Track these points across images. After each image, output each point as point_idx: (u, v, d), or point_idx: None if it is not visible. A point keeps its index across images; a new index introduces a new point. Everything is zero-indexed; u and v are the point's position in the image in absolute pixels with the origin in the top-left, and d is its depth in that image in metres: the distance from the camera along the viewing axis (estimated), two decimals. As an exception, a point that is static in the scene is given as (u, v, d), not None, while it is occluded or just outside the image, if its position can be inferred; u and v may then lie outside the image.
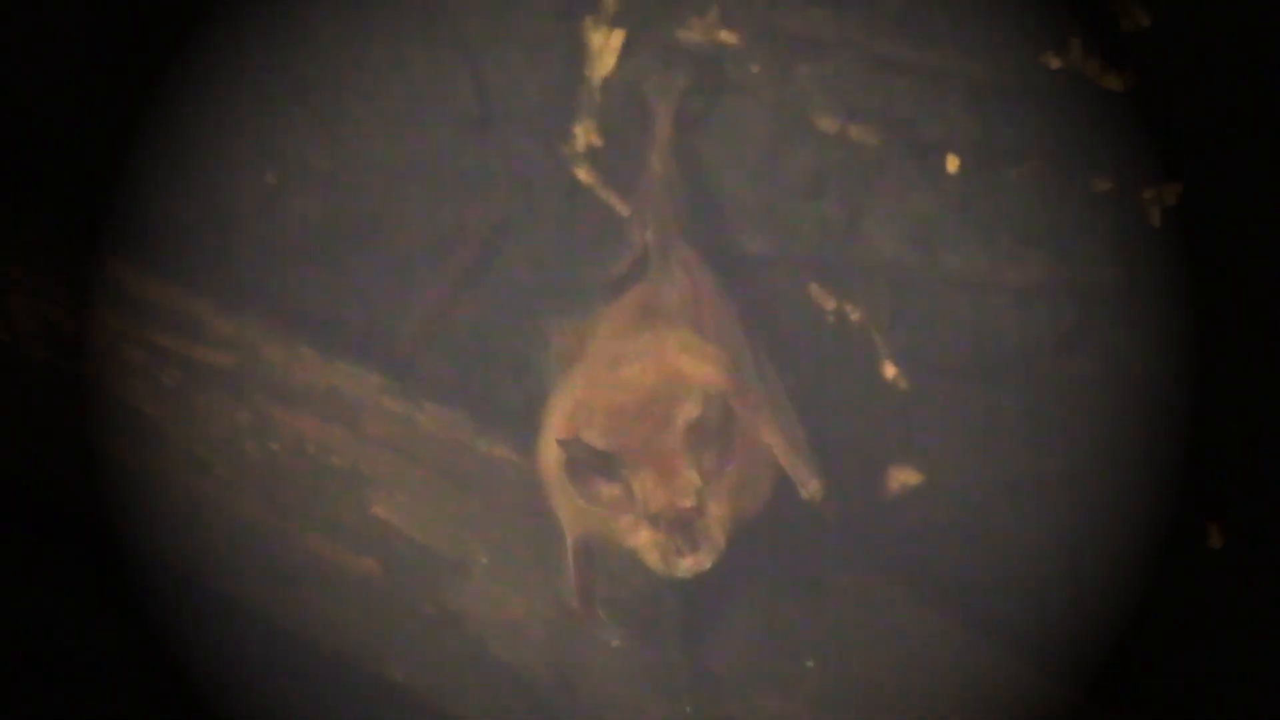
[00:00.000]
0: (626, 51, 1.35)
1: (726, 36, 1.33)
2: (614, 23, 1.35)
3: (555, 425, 1.13)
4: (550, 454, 1.12)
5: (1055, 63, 1.42)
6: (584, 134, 1.36)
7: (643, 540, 1.07)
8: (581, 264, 1.37)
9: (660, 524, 1.06)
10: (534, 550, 1.25)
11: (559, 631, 1.27)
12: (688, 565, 1.05)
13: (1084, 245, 1.46)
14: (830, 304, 1.36)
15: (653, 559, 1.07)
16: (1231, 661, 1.59)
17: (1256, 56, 1.47)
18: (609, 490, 1.08)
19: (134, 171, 1.73)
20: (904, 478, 1.39)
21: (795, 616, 1.34)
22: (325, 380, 1.38)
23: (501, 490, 1.28)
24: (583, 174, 1.36)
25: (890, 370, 1.36)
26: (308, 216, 1.65)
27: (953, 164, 1.36)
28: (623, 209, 1.34)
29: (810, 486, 1.14)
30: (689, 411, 1.06)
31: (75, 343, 1.68)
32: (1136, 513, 1.54)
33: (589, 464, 1.08)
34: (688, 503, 1.06)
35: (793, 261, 1.35)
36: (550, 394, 1.18)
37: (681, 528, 1.06)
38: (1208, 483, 1.58)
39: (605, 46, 1.37)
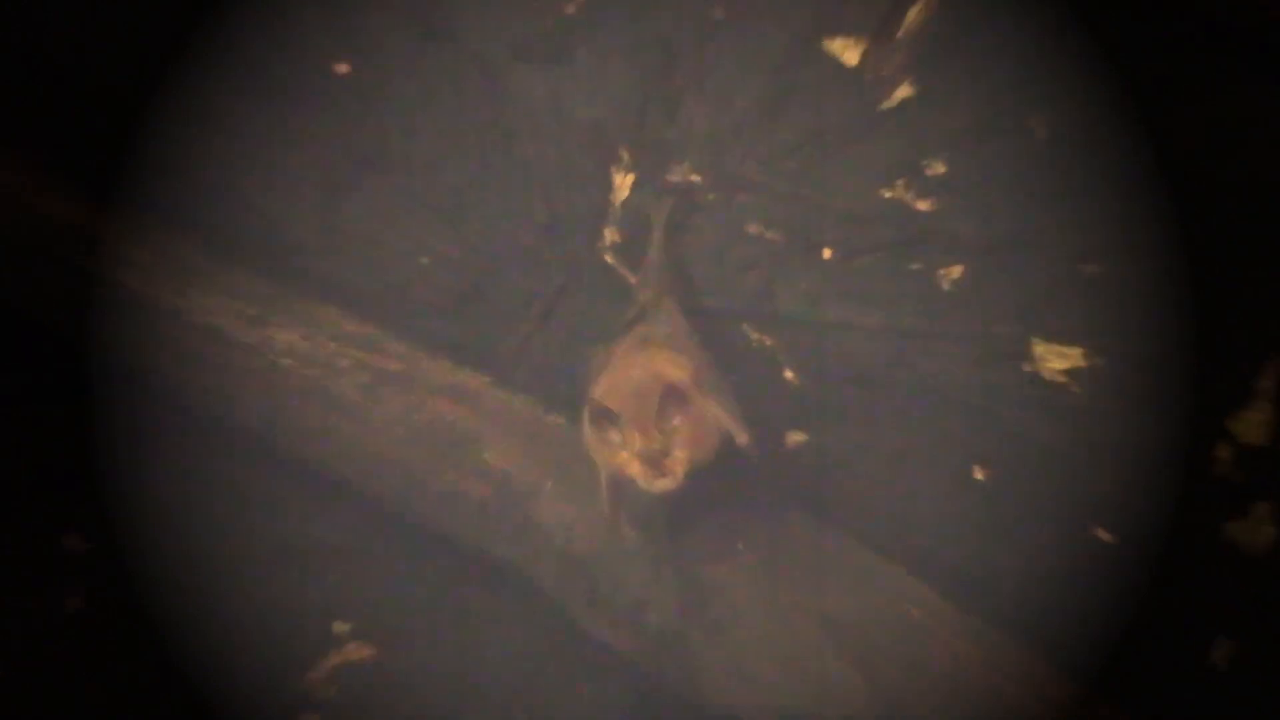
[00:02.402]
0: (636, 186, 1.76)
1: (695, 178, 1.75)
2: (628, 170, 1.76)
3: (591, 403, 1.48)
4: (588, 420, 1.48)
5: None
6: (610, 234, 1.76)
7: (634, 469, 1.44)
8: (608, 312, 1.71)
9: (643, 459, 1.45)
10: (580, 480, 1.58)
11: (596, 530, 1.60)
12: (659, 485, 1.44)
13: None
14: (755, 335, 1.73)
15: (640, 480, 1.45)
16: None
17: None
18: (616, 438, 1.47)
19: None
20: (795, 439, 1.72)
21: (740, 526, 1.64)
22: (450, 379, 1.73)
23: (560, 444, 1.63)
24: (609, 258, 1.76)
25: (789, 374, 1.73)
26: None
27: (827, 253, 1.75)
28: (633, 279, 1.73)
29: (741, 439, 1.50)
30: (663, 394, 1.46)
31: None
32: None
33: (606, 423, 1.46)
34: (657, 447, 1.45)
35: (733, 312, 1.74)
36: (588, 387, 1.51)
37: (654, 463, 1.44)
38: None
39: (623, 183, 1.77)
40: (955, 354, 1.67)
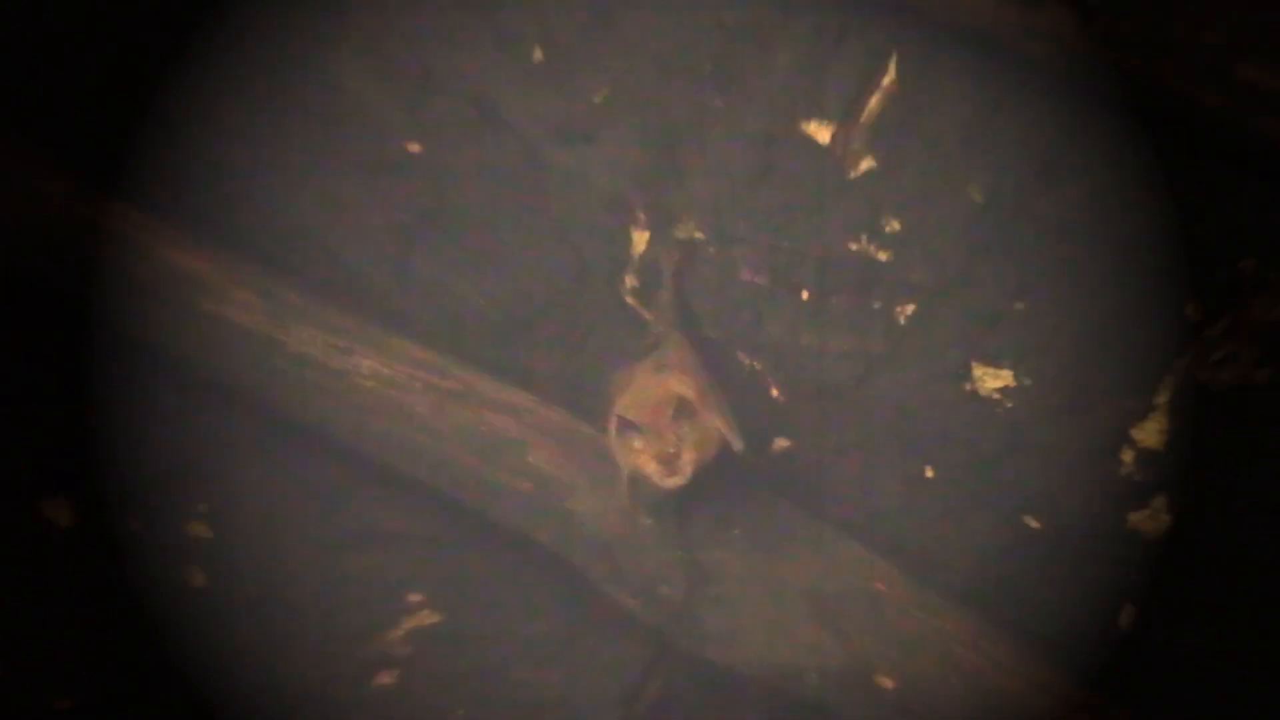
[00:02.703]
0: (650, 241, 1.81)
1: (698, 235, 1.79)
2: (644, 228, 1.80)
3: (615, 415, 1.56)
4: (613, 429, 1.57)
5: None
6: (629, 280, 1.81)
7: (650, 468, 1.53)
8: (628, 343, 1.78)
9: (658, 461, 1.53)
10: (605, 478, 1.68)
11: (619, 519, 1.71)
12: (671, 482, 1.53)
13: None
14: (746, 360, 1.78)
15: (655, 478, 1.54)
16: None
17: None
18: (635, 444, 1.55)
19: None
20: (780, 444, 1.78)
21: (735, 515, 1.73)
22: (500, 396, 1.81)
23: (590, 448, 1.71)
24: (629, 299, 1.81)
25: (774, 391, 1.79)
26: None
27: (805, 294, 1.79)
28: (648, 316, 1.79)
29: (736, 444, 1.58)
30: (674, 408, 1.54)
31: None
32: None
33: (628, 431, 1.54)
34: (669, 450, 1.53)
35: (729, 341, 1.78)
36: (613, 402, 1.60)
37: (667, 463, 1.52)
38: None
39: (640, 239, 1.80)
40: (909, 375, 1.74)
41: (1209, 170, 1.64)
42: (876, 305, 1.72)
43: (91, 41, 1.97)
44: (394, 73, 1.82)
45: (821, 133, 1.69)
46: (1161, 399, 1.64)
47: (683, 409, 1.54)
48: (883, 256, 1.71)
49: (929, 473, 1.72)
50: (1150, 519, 1.65)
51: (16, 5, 2.03)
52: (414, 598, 1.80)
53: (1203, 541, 1.64)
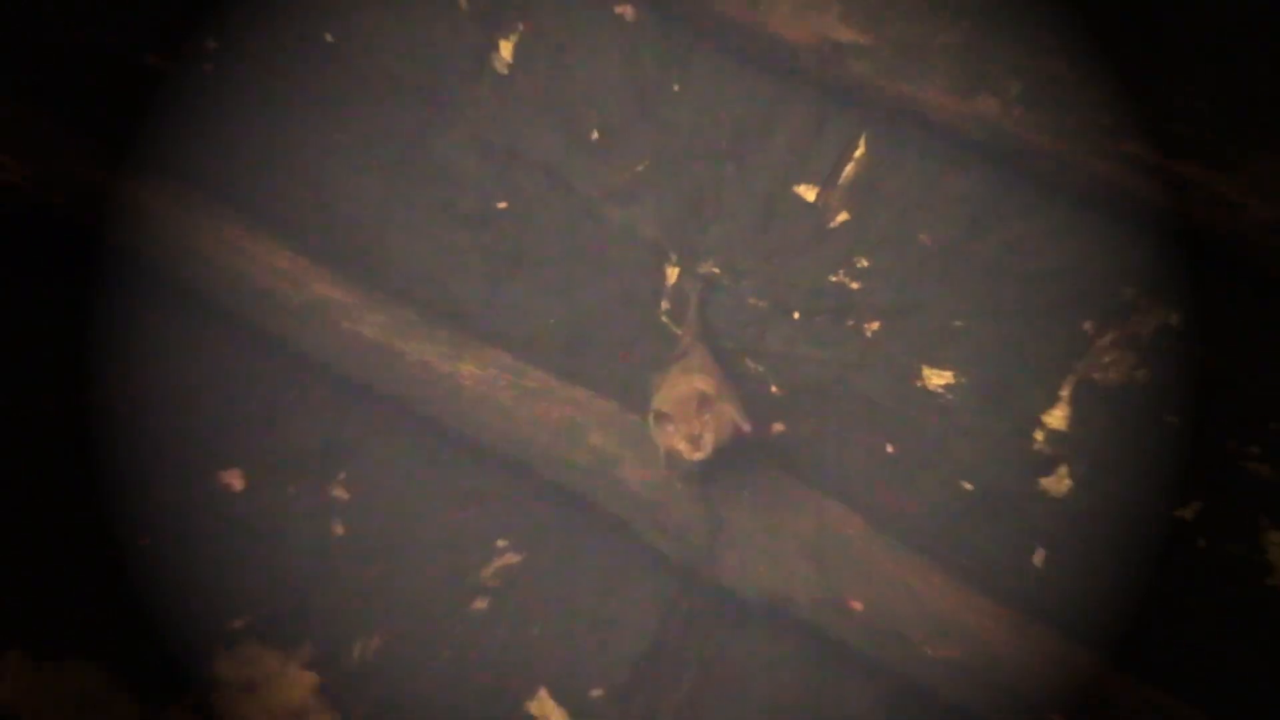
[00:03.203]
0: (680, 276, 1.82)
1: (715, 270, 1.80)
2: (675, 265, 1.81)
3: (654, 405, 1.58)
4: (652, 417, 1.57)
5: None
6: (664, 305, 1.82)
7: (680, 446, 1.54)
8: (663, 352, 1.78)
9: (686, 440, 1.54)
10: (648, 454, 1.67)
11: (658, 484, 1.71)
12: (698, 457, 1.54)
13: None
14: (752, 365, 1.78)
15: (684, 453, 1.55)
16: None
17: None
18: (669, 428, 1.56)
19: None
20: (777, 428, 1.77)
21: (745, 481, 1.72)
22: (568, 393, 1.80)
23: (636, 432, 1.71)
24: (665, 319, 1.82)
25: (774, 388, 1.78)
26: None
27: (796, 315, 1.82)
28: (679, 332, 1.79)
29: (745, 428, 1.58)
30: (698, 401, 1.56)
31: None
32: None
33: (664, 419, 1.55)
34: (696, 432, 1.54)
35: (739, 350, 1.79)
36: (652, 397, 1.62)
37: (693, 441, 1.54)
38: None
39: (672, 274, 1.81)
40: (875, 375, 1.74)
41: (1100, 222, 1.65)
42: (850, 323, 1.72)
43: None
44: (488, 150, 1.83)
45: (809, 193, 1.71)
46: (1065, 392, 1.64)
47: (704, 401, 1.57)
48: (855, 286, 1.71)
49: (890, 449, 1.72)
50: (1056, 483, 1.65)
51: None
52: (501, 544, 1.82)
53: (1097, 500, 1.64)
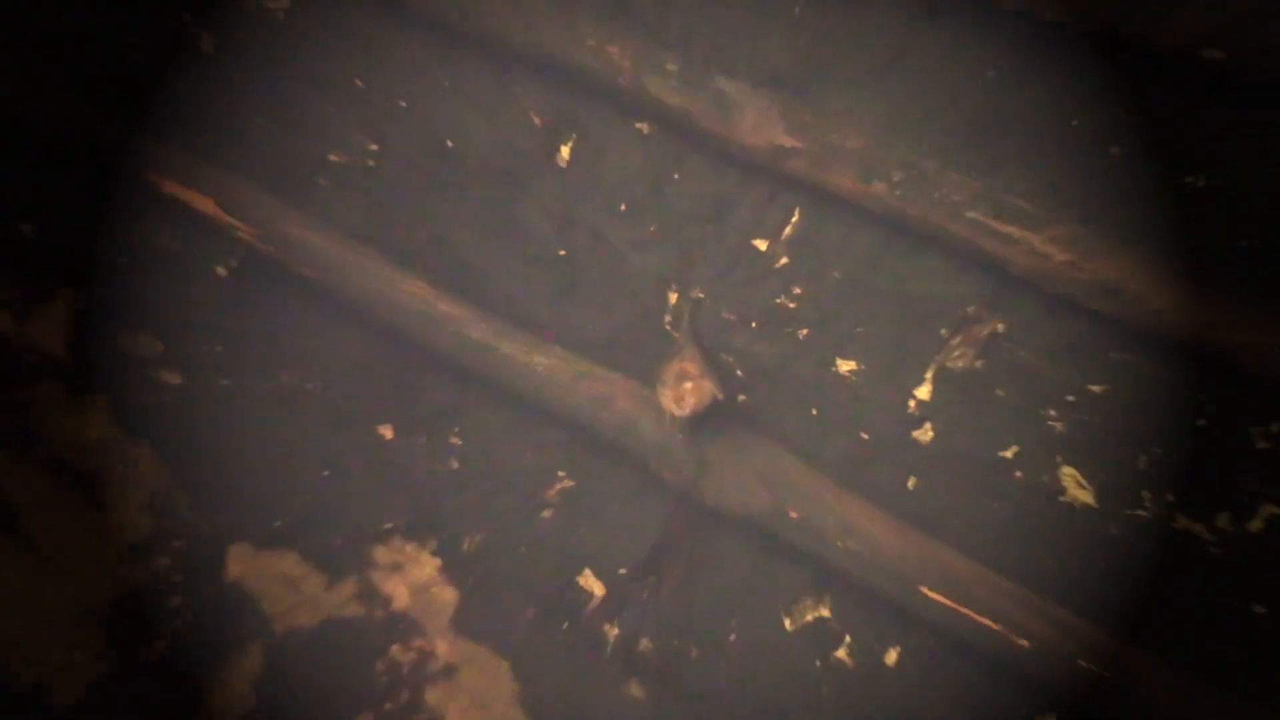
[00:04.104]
0: (678, 299, 1.73)
1: (701, 295, 1.70)
2: (675, 292, 1.74)
3: (660, 382, 1.58)
4: (659, 390, 1.58)
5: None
6: (667, 319, 1.74)
7: (676, 408, 1.54)
8: (666, 350, 1.71)
9: (678, 404, 1.54)
10: (657, 414, 1.65)
11: (663, 433, 1.68)
12: (683, 414, 1.54)
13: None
14: (726, 357, 1.72)
15: (676, 411, 1.54)
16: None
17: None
18: (669, 395, 1.55)
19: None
20: (741, 397, 1.70)
21: (719, 432, 1.69)
22: (603, 374, 1.74)
23: (650, 400, 1.68)
24: (668, 328, 1.74)
25: (739, 372, 1.72)
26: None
27: (754, 324, 1.73)
28: (677, 336, 1.73)
29: (720, 396, 1.57)
30: (688, 379, 1.55)
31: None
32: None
33: (665, 390, 1.55)
34: (686, 399, 1.54)
35: (716, 347, 1.73)
36: (661, 378, 1.60)
37: (679, 402, 1.54)
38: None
39: (673, 297, 1.74)
40: (803, 363, 1.69)
41: (952, 262, 1.54)
42: (788, 330, 1.71)
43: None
44: (552, 216, 1.80)
45: (762, 245, 1.68)
46: (929, 375, 1.63)
47: (692, 379, 1.58)
48: (792, 306, 1.70)
49: (814, 412, 1.72)
50: (923, 434, 1.65)
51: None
52: (560, 474, 1.83)
53: (949, 445, 1.63)
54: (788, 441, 1.68)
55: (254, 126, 1.81)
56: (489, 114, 1.70)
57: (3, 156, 1.77)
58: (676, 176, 1.66)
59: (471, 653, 1.73)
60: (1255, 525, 1.37)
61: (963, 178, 1.43)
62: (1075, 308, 1.41)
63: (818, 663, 1.66)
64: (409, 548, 1.82)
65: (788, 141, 1.50)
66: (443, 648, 1.72)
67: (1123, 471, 1.46)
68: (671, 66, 1.51)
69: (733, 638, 1.71)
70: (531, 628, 1.75)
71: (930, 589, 1.54)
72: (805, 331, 1.67)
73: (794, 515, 1.64)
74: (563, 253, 1.77)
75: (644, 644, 1.74)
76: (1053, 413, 1.52)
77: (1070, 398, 1.49)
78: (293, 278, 1.81)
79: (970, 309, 1.54)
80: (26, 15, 1.59)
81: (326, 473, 1.84)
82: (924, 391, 1.61)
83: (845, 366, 1.66)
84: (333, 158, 1.80)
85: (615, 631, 1.74)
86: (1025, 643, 1.47)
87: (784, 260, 1.65)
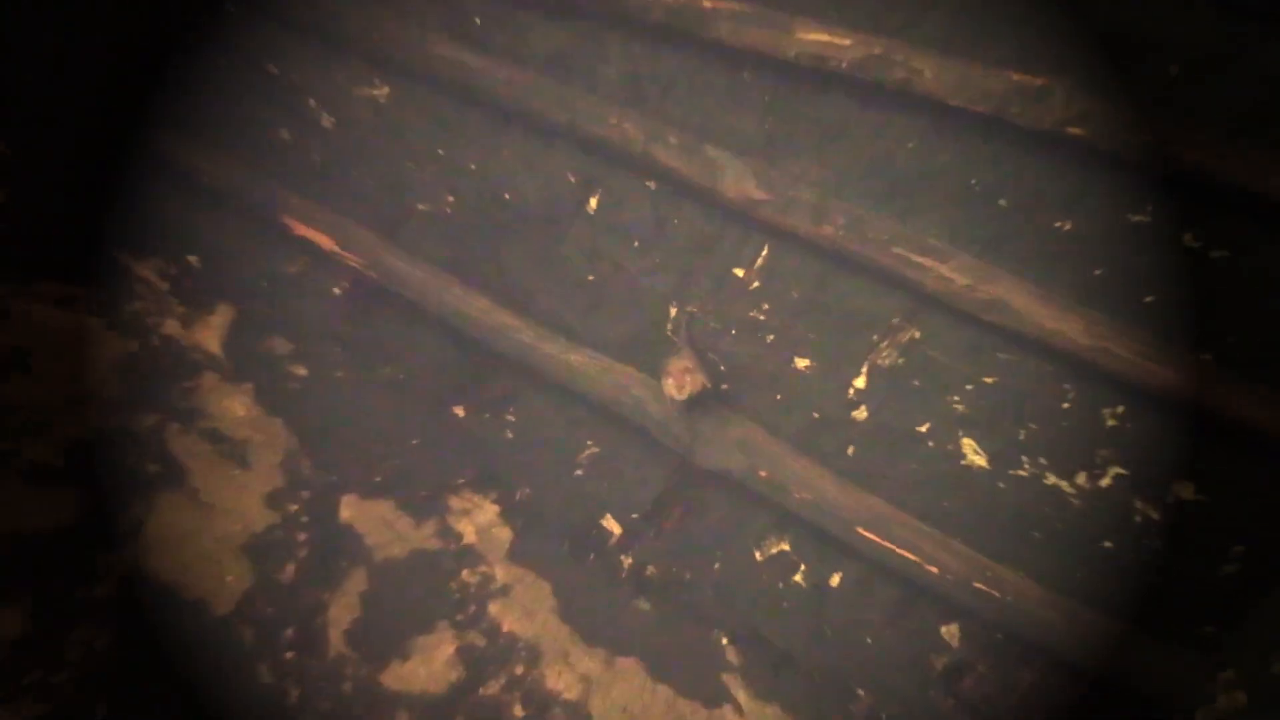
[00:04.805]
0: (677, 312, 1.68)
1: (694, 310, 1.68)
2: (675, 307, 1.66)
3: (664, 374, 1.56)
4: (663, 381, 1.55)
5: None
6: (669, 327, 1.70)
7: (673, 392, 1.52)
8: (669, 350, 1.68)
9: (678, 390, 1.52)
10: (661, 398, 1.64)
11: (665, 411, 1.65)
12: (681, 398, 1.52)
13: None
14: (711, 355, 1.68)
15: (675, 396, 1.52)
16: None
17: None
18: (671, 383, 1.53)
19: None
20: (724, 386, 1.64)
21: (708, 411, 1.65)
22: (621, 369, 1.73)
23: (657, 389, 1.66)
24: (669, 334, 1.70)
25: (722, 367, 1.66)
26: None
27: (734, 332, 1.65)
28: (677, 340, 1.69)
29: (708, 385, 1.55)
30: (684, 371, 1.54)
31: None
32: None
33: (668, 380, 1.53)
34: (686, 387, 1.52)
35: (705, 349, 1.68)
36: (665, 371, 1.57)
37: (680, 390, 1.52)
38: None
39: (674, 310, 1.70)
40: (769, 361, 1.67)
41: (880, 285, 1.49)
42: (758, 336, 1.68)
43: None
44: (584, 251, 1.78)
45: (740, 272, 1.65)
46: (864, 369, 1.60)
47: (687, 371, 1.59)
48: (761, 318, 1.67)
49: (778, 397, 1.69)
50: (860, 413, 1.63)
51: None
52: (590, 443, 1.85)
53: (880, 422, 1.60)
54: (758, 418, 1.69)
55: (363, 183, 1.85)
56: (536, 174, 1.71)
57: (179, 206, 1.86)
58: (675, 221, 1.65)
59: (521, 575, 1.75)
60: (1105, 482, 1.39)
61: (889, 223, 1.45)
62: (972, 319, 1.42)
63: (780, 584, 1.69)
64: (475, 497, 1.85)
65: (759, 194, 1.50)
66: (500, 572, 1.73)
67: (1008, 441, 1.48)
68: (672, 140, 1.53)
69: (716, 565, 1.74)
70: (566, 557, 1.79)
71: (864, 529, 1.57)
72: (771, 337, 1.66)
73: (763, 474, 1.65)
74: (591, 278, 1.77)
75: (650, 570, 1.77)
76: (956, 398, 1.52)
77: (969, 387, 1.49)
78: (391, 296, 1.85)
79: (894, 320, 1.53)
80: (211, 103, 1.68)
81: (415, 441, 1.88)
82: (860, 382, 1.60)
83: (801, 363, 1.64)
84: (420, 207, 1.84)
85: (629, 560, 1.77)
86: (934, 569, 1.51)
87: (756, 284, 1.64)
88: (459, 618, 1.61)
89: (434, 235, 1.82)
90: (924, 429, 1.54)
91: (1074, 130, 1.21)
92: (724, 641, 1.64)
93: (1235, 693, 1.23)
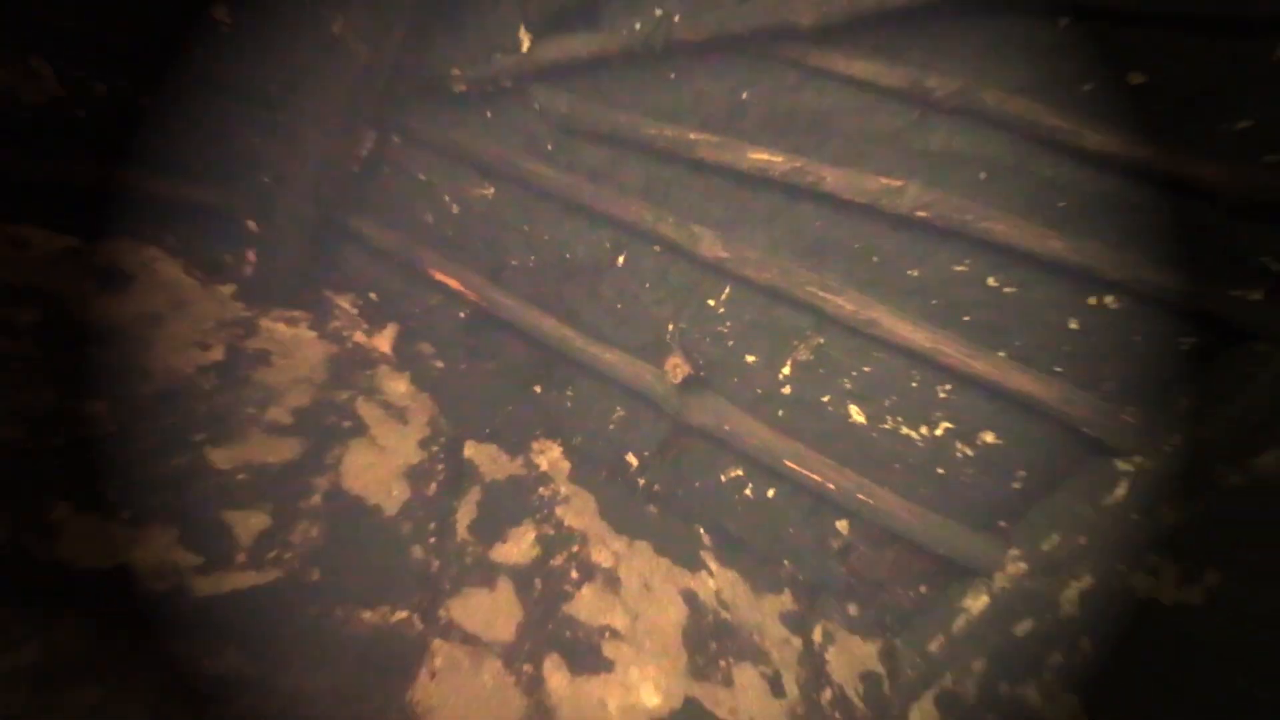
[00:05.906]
0: (675, 326, 1.65)
1: (684, 325, 1.62)
2: (673, 323, 1.64)
3: (665, 366, 1.54)
4: (666, 369, 1.53)
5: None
6: (669, 336, 1.65)
7: (670, 377, 1.51)
8: (667, 350, 1.64)
9: (675, 374, 1.51)
10: (664, 380, 1.60)
11: (667, 390, 1.62)
12: (676, 382, 1.52)
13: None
14: (695, 354, 1.64)
15: (672, 380, 1.51)
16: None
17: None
18: (670, 369, 1.52)
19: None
20: (703, 374, 1.58)
21: (695, 390, 1.64)
22: (634, 360, 1.69)
23: (660, 376, 1.61)
24: (669, 340, 1.66)
25: (701, 361, 1.63)
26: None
27: (709, 340, 1.66)
28: (674, 345, 1.64)
29: (693, 372, 1.50)
30: (677, 362, 1.53)
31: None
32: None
33: (666, 368, 1.52)
34: (679, 372, 1.50)
35: (693, 350, 1.62)
36: (666, 363, 1.55)
37: (674, 374, 1.51)
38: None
39: (672, 327, 1.65)
40: (733, 359, 1.67)
41: (796, 317, 1.49)
42: (723, 343, 1.67)
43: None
44: (616, 290, 1.75)
45: (712, 303, 1.63)
46: (789, 362, 1.59)
47: (680, 363, 1.61)
48: (725, 331, 1.65)
49: (735, 379, 1.67)
50: (787, 390, 1.61)
51: None
52: (618, 408, 1.84)
53: (800, 395, 1.60)
54: (724, 393, 1.72)
55: (477, 247, 1.88)
56: (585, 242, 1.74)
57: (364, 261, 1.89)
58: (672, 271, 1.68)
59: (576, 491, 1.78)
60: (938, 432, 1.45)
61: (806, 270, 1.51)
62: (858, 332, 1.49)
63: (736, 496, 1.77)
64: (547, 443, 1.85)
65: (724, 254, 1.54)
66: (563, 489, 1.75)
67: (878, 407, 1.57)
68: (670, 220, 1.58)
69: (697, 484, 1.81)
70: (605, 479, 1.83)
71: (789, 461, 1.63)
72: (732, 342, 1.69)
73: (726, 428, 1.70)
74: (619, 306, 1.78)
75: (656, 487, 1.82)
76: (846, 381, 1.59)
77: (854, 373, 1.57)
78: (494, 318, 1.88)
79: (808, 331, 1.58)
80: (384, 198, 1.72)
81: (509, 408, 1.89)
82: (787, 370, 1.64)
83: (750, 358, 1.67)
84: (513, 262, 1.87)
85: (642, 481, 1.83)
86: (833, 486, 1.60)
87: (722, 310, 1.67)
88: (537, 517, 1.64)
89: (522, 280, 1.85)
90: (826, 400, 1.60)
91: (921, 214, 1.31)
92: (701, 531, 1.73)
93: (1019, 563, 1.35)
